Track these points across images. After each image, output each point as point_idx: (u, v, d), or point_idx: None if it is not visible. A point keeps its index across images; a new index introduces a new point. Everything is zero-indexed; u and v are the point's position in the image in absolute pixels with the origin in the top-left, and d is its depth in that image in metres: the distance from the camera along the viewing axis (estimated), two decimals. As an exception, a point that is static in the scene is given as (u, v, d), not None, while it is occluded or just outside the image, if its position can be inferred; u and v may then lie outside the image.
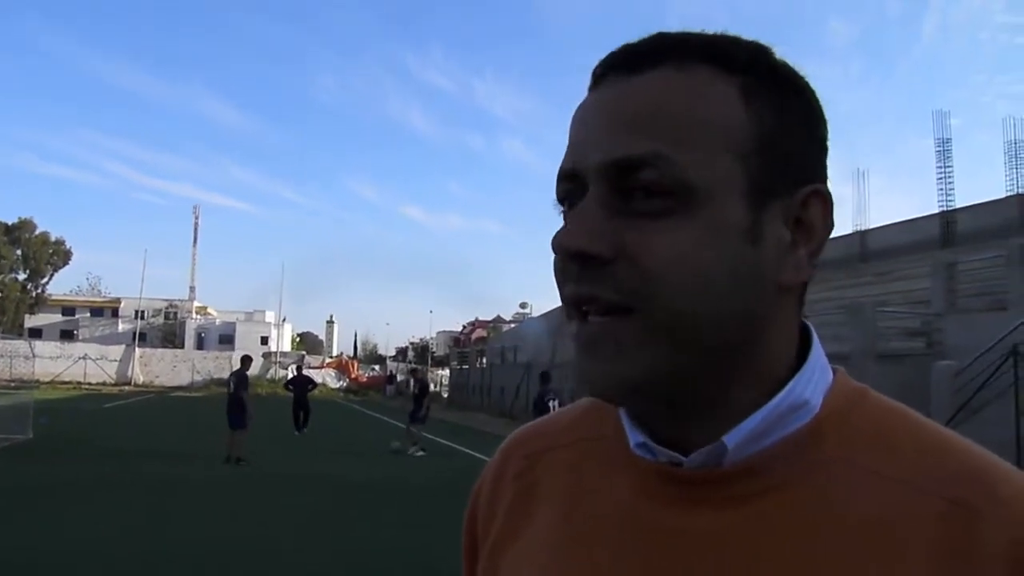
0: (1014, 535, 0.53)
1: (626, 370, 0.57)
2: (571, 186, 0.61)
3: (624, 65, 0.60)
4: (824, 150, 0.64)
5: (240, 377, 14.58)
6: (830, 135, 0.64)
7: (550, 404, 14.34)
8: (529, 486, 0.72)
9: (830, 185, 0.63)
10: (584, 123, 0.62)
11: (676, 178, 0.56)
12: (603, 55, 0.63)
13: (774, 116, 0.59)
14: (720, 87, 0.59)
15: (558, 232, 0.60)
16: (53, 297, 65.59)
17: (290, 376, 24.74)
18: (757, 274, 0.59)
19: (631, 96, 0.59)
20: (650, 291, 0.56)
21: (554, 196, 0.64)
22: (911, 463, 0.58)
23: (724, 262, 0.57)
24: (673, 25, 0.62)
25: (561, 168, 0.62)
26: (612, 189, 0.58)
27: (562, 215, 0.63)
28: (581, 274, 0.58)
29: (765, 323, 0.60)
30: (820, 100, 0.64)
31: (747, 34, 0.63)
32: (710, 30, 0.62)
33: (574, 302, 0.59)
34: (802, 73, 0.63)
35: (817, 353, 0.64)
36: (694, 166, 0.56)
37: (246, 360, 15.33)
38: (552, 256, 0.62)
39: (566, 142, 0.63)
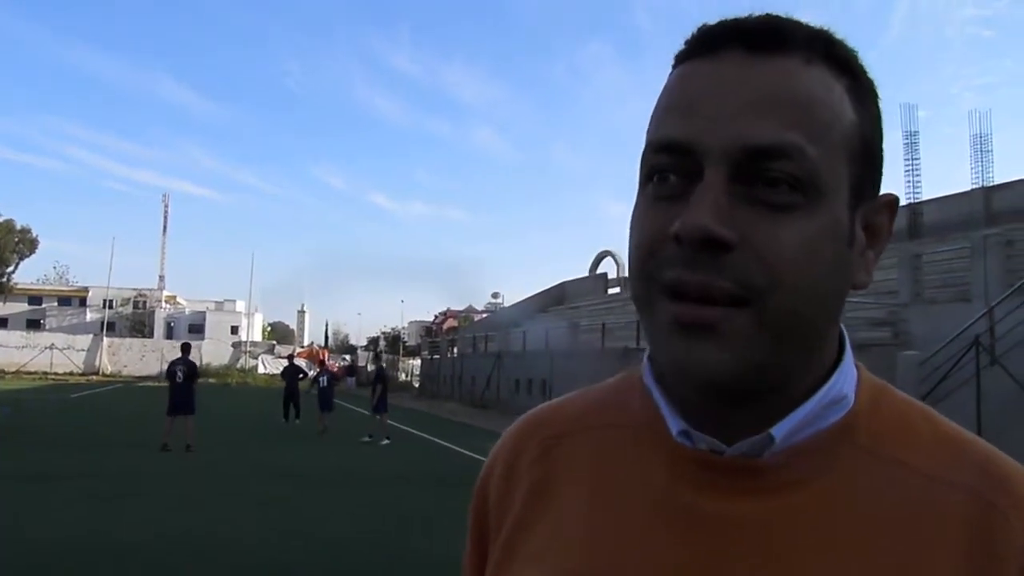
0: None
1: (731, 360, 0.56)
2: (672, 160, 0.58)
3: (745, 43, 0.58)
4: None
5: (192, 366, 14.59)
6: None
7: (319, 379, 15.61)
8: (549, 471, 0.71)
9: None
10: (704, 94, 0.58)
11: (809, 173, 0.55)
12: (702, 24, 0.61)
13: (870, 122, 0.60)
14: (838, 88, 0.59)
15: (684, 213, 0.55)
16: (19, 286, 64.32)
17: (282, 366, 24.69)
18: (850, 275, 0.60)
19: (763, 79, 0.57)
20: (771, 285, 0.55)
21: (638, 168, 0.61)
22: (933, 455, 0.61)
23: (834, 262, 0.58)
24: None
25: (664, 136, 0.59)
26: (736, 173, 0.56)
27: (651, 190, 0.60)
28: (696, 260, 0.55)
29: (837, 321, 0.63)
30: None
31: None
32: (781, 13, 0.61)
33: (682, 288, 0.56)
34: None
35: (849, 349, 0.65)
36: (823, 164, 0.56)
37: (187, 347, 15.33)
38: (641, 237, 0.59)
39: (656, 104, 0.61)
